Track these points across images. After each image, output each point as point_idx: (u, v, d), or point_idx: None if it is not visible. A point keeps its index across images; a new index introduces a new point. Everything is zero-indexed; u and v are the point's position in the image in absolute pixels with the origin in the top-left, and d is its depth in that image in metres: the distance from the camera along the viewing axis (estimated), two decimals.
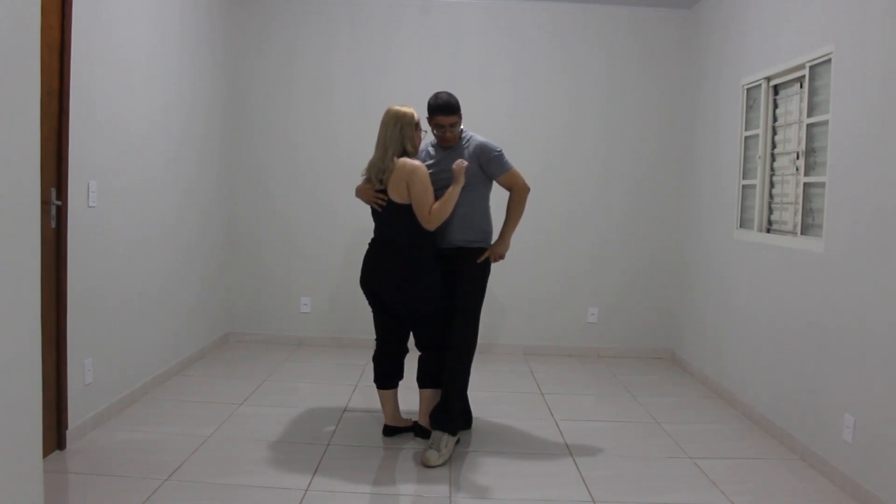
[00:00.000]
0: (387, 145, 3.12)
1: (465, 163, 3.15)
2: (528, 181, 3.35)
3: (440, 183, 3.17)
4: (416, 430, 3.39)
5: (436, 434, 3.19)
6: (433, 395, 3.31)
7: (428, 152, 3.35)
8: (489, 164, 3.25)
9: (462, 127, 3.31)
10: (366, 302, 3.37)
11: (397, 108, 3.18)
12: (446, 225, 3.22)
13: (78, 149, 3.09)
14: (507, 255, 3.49)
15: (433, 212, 3.08)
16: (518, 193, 3.32)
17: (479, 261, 3.27)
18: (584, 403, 4.17)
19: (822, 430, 3.15)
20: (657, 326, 5.29)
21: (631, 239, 5.25)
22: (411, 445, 3.31)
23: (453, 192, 3.11)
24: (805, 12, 3.49)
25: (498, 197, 3.41)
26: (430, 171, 3.20)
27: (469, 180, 3.18)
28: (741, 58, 4.23)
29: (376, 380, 3.37)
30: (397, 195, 3.11)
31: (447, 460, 3.13)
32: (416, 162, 3.12)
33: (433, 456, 3.09)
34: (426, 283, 3.16)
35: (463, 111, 3.29)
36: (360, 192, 3.28)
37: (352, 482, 2.88)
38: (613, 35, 5.15)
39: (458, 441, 3.31)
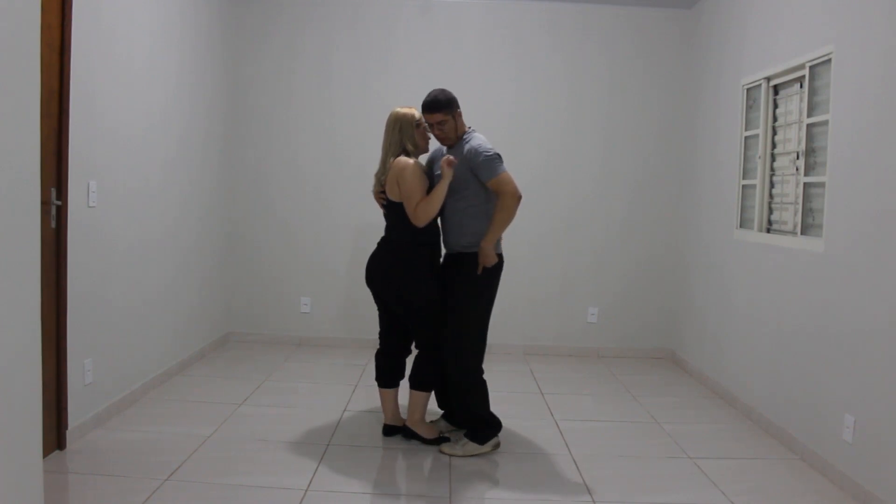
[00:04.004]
0: (387, 148, 3.18)
1: (452, 158, 3.10)
2: (528, 182, 3.34)
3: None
4: (404, 433, 3.37)
5: (459, 433, 3.34)
6: (423, 398, 3.30)
7: (441, 153, 3.35)
8: (477, 169, 3.10)
9: (470, 126, 3.30)
10: (366, 301, 3.39)
11: (398, 109, 3.22)
12: (444, 232, 3.27)
13: (78, 149, 3.09)
14: (508, 254, 3.47)
15: (418, 209, 3.08)
16: (504, 200, 3.08)
17: (478, 272, 3.17)
18: (584, 403, 4.17)
19: (822, 429, 3.15)
20: (657, 326, 5.29)
21: (631, 239, 5.25)
22: (411, 445, 3.31)
23: (440, 188, 3.09)
24: (805, 12, 3.49)
25: None
26: (438, 172, 3.23)
27: (461, 185, 3.14)
28: (741, 58, 4.23)
29: (377, 378, 3.38)
30: (393, 193, 3.16)
31: (463, 455, 3.19)
32: (409, 160, 3.13)
33: (447, 446, 3.23)
34: (415, 276, 3.16)
35: (462, 111, 3.28)
36: (373, 195, 3.34)
37: (352, 482, 2.88)
38: (613, 35, 5.15)
39: (497, 446, 3.26)
